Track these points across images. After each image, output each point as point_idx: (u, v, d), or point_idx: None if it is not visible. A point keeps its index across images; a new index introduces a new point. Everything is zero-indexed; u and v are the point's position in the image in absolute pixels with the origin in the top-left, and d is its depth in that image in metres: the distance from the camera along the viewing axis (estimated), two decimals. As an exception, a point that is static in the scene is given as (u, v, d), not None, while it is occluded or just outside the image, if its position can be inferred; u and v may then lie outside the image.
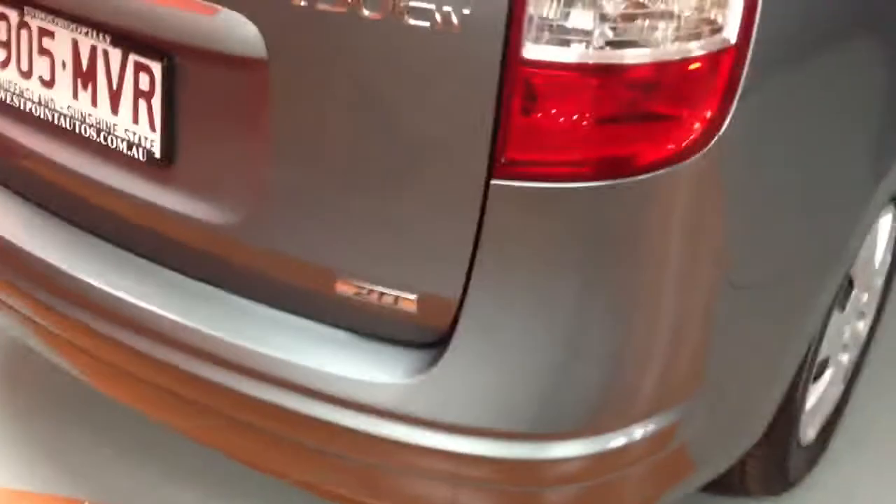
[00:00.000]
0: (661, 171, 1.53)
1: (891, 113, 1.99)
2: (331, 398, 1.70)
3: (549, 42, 1.48)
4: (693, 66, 1.51)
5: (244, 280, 1.82)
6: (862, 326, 2.52)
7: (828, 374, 2.39)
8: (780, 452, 2.21)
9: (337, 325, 1.77)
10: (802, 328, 1.99)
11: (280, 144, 1.68)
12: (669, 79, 1.50)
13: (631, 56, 1.48)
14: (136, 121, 1.81)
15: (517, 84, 1.51)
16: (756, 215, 1.71)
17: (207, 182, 1.80)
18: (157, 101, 1.79)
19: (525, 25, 1.48)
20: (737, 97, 1.54)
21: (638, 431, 1.68)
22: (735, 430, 1.99)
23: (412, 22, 1.52)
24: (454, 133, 1.56)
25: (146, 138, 1.82)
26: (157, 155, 1.81)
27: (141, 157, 1.83)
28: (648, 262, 1.60)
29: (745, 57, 1.53)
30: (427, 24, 1.51)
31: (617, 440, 1.67)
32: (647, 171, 1.53)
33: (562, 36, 1.48)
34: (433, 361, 1.67)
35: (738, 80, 1.54)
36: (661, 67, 1.49)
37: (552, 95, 1.51)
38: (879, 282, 2.52)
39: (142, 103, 1.80)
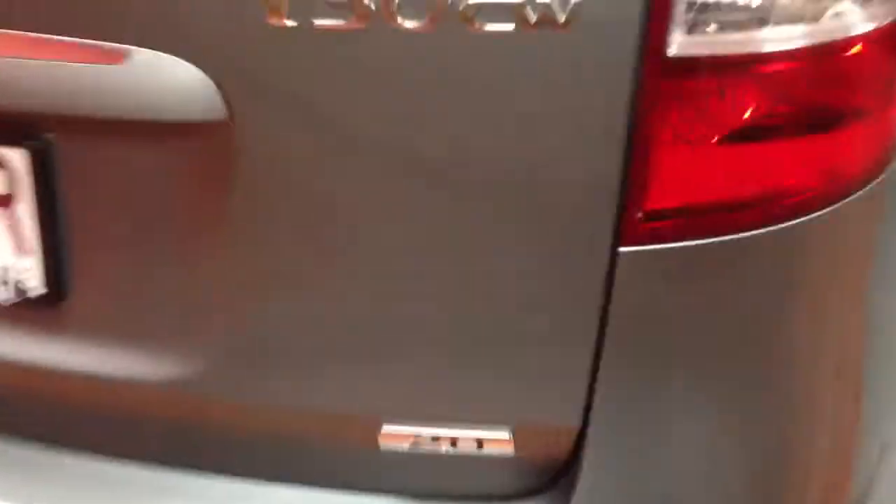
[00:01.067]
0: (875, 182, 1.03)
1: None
2: None
3: (716, 28, 0.94)
4: None
5: (227, 452, 1.20)
6: None
7: None
8: None
9: (380, 491, 1.18)
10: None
11: (249, 247, 1.07)
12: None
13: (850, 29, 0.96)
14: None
15: (664, 95, 0.96)
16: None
17: (124, 319, 1.16)
18: (25, 209, 1.12)
19: (676, 8, 0.93)
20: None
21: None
22: None
23: (487, 27, 0.94)
24: (553, 189, 1.00)
25: (14, 269, 1.15)
26: (39, 291, 1.15)
27: (10, 298, 1.17)
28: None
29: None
30: (510, 26, 0.94)
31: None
32: (865, 183, 1.02)
33: (734, 17, 0.95)
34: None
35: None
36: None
37: (725, 101, 0.97)
38: None
39: (-2, 216, 1.13)
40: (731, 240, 1.01)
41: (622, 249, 1.02)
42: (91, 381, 1.17)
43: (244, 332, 1.10)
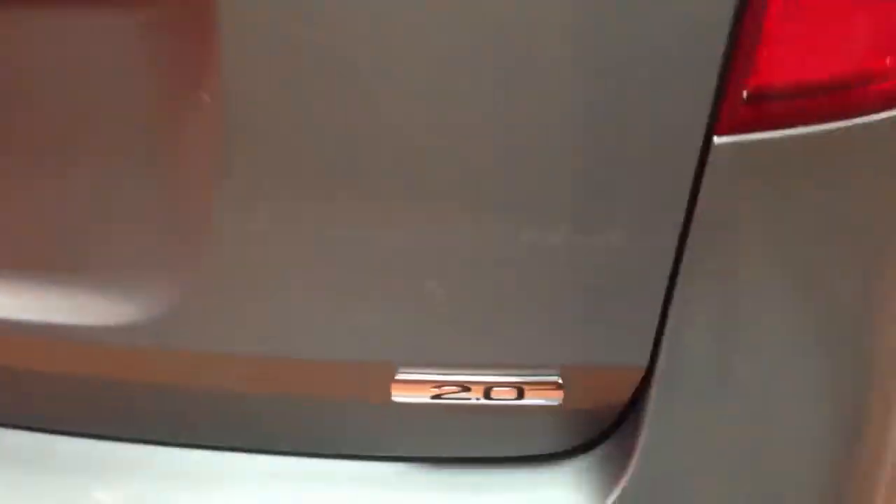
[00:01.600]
0: None
1: None
2: None
3: None
4: None
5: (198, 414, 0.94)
6: None
7: None
8: None
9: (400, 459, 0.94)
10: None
11: (231, 150, 0.80)
12: None
13: None
14: None
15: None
16: None
17: (59, 252, 0.89)
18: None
19: None
20: None
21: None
22: None
23: None
24: (630, 59, 0.76)
25: None
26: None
27: None
28: None
29: None
30: None
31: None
32: None
33: None
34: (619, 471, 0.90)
35: None
36: None
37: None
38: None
39: None
40: (855, 125, 0.79)
41: (718, 140, 0.79)
42: (16, 336, 0.90)
43: (223, 263, 0.84)
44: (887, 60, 0.78)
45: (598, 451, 0.93)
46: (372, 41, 0.75)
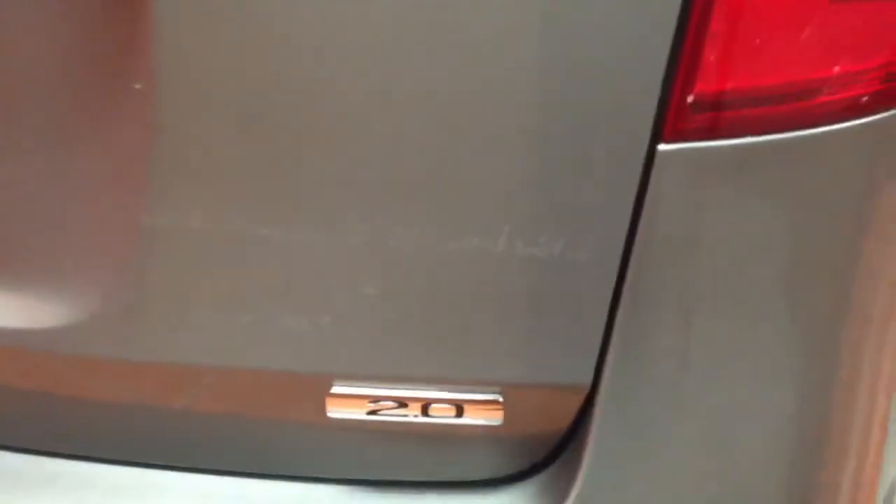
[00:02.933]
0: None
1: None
2: None
3: None
4: None
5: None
6: None
7: None
8: None
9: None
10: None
11: (171, 138, 0.78)
12: None
13: None
14: None
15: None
16: None
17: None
18: None
19: None
20: None
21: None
22: None
23: None
24: (573, 64, 0.75)
25: None
26: None
27: None
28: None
29: None
30: None
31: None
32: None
33: None
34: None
35: None
36: None
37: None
38: None
39: None
40: (808, 136, 0.77)
41: (662, 147, 0.77)
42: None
43: (152, 264, 0.81)
44: (835, 69, 0.77)
45: (540, 477, 0.89)
46: (308, 30, 0.73)
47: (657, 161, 0.77)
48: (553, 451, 0.89)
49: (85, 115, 0.78)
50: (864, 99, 0.78)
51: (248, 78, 0.75)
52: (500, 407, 0.85)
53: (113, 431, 0.89)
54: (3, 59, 0.77)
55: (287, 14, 0.73)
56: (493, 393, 0.84)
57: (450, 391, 0.85)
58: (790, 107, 0.77)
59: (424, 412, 0.85)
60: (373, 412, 0.85)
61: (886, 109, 0.77)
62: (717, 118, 0.77)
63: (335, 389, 0.84)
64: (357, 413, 0.85)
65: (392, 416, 0.85)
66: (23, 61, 0.77)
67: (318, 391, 0.84)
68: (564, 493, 0.86)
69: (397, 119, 0.76)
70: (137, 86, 0.75)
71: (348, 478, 0.90)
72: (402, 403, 0.85)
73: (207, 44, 0.74)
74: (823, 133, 0.77)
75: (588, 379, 0.84)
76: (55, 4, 0.75)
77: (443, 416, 0.85)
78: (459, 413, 0.85)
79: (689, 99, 0.76)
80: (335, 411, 0.85)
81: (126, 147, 0.78)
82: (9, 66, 0.77)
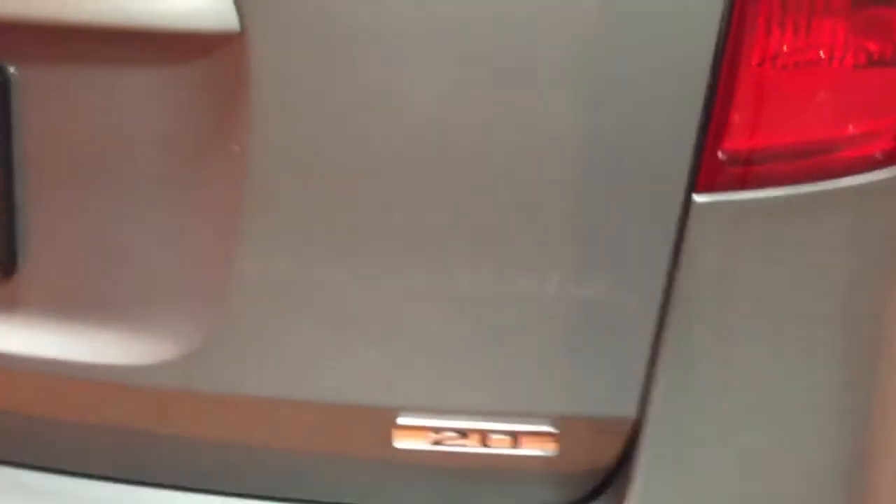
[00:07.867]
0: None
1: None
2: None
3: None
4: None
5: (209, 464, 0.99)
6: None
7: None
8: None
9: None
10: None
11: (265, 200, 0.89)
12: None
13: None
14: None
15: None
16: None
17: (95, 297, 0.97)
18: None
19: None
20: None
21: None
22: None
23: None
24: (615, 121, 0.84)
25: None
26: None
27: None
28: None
29: None
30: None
31: None
32: None
33: None
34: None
35: None
36: None
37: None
38: None
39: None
40: (829, 187, 0.86)
41: (697, 198, 0.86)
42: (48, 377, 0.97)
43: (246, 307, 0.91)
44: (850, 128, 0.86)
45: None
46: (397, 103, 0.84)
47: (692, 210, 0.86)
48: (603, 482, 0.97)
49: (192, 171, 0.89)
50: (879, 155, 0.86)
51: (334, 145, 0.85)
52: (553, 438, 0.93)
53: (188, 463, 0.98)
54: (125, 131, 0.89)
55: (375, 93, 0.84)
56: (546, 424, 0.93)
57: (506, 423, 0.93)
58: (811, 161, 0.86)
59: (483, 443, 0.93)
60: (437, 442, 0.93)
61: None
62: (745, 172, 0.86)
63: (401, 421, 0.93)
64: (421, 444, 0.93)
65: (454, 446, 0.93)
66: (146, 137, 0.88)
67: (385, 423, 0.93)
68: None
69: (468, 179, 0.86)
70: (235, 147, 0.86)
71: None
72: (463, 434, 0.93)
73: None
74: (844, 185, 0.86)
75: (633, 412, 0.92)
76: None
77: (501, 447, 0.93)
78: (516, 443, 0.93)
79: (720, 155, 0.85)
80: (401, 442, 0.94)
81: (220, 203, 0.89)
82: (131, 136, 0.89)
